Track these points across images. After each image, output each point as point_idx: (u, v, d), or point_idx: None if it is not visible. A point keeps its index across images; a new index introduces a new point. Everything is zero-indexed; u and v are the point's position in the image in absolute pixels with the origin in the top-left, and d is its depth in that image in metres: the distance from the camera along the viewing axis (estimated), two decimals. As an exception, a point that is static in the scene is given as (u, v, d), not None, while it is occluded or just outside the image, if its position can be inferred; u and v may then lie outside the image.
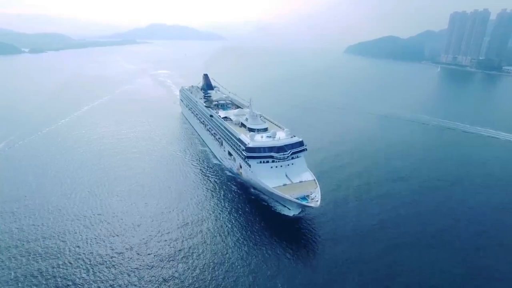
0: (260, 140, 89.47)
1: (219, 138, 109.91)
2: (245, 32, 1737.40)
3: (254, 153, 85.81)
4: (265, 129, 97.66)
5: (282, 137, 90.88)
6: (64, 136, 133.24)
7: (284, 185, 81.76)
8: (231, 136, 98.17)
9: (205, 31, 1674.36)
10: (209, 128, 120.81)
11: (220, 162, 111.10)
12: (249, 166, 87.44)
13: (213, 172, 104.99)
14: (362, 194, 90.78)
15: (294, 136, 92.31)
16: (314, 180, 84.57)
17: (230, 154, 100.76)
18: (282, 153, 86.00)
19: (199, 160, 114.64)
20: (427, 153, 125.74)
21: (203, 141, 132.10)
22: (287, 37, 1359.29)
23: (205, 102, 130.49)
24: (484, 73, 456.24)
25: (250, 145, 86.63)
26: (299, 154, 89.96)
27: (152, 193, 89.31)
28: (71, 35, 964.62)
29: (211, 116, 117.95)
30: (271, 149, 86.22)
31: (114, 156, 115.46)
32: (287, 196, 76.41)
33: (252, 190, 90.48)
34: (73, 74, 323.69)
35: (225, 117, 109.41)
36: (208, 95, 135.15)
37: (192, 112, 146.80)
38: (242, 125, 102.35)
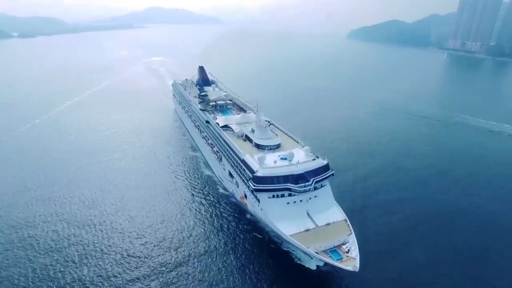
0: (271, 164, 65.12)
1: (218, 152, 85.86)
2: (248, 16, 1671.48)
3: (264, 185, 61.81)
4: (278, 146, 73.41)
5: (301, 159, 66.43)
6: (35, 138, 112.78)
7: (306, 230, 58.25)
8: (233, 155, 74.07)
9: (204, 14, 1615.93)
10: (205, 136, 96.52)
11: (218, 179, 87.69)
12: (258, 201, 63.77)
13: (206, 190, 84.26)
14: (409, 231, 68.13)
15: (317, 157, 68.22)
16: (346, 220, 61.16)
17: (231, 175, 77.03)
18: (303, 184, 62.04)
19: (189, 172, 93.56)
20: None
21: (197, 146, 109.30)
22: (291, 21, 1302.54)
23: (200, 102, 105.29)
24: (495, 60, 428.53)
25: (259, 174, 62.45)
26: (324, 182, 66.25)
27: (114, 226, 67.86)
28: (66, 19, 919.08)
29: (207, 122, 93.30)
30: (287, 178, 62.21)
31: (85, 160, 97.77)
32: (311, 250, 53.30)
33: (261, 224, 67.24)
34: (61, 62, 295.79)
35: (225, 126, 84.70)
36: (204, 93, 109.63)
37: (186, 112, 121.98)
38: (247, 138, 77.88)
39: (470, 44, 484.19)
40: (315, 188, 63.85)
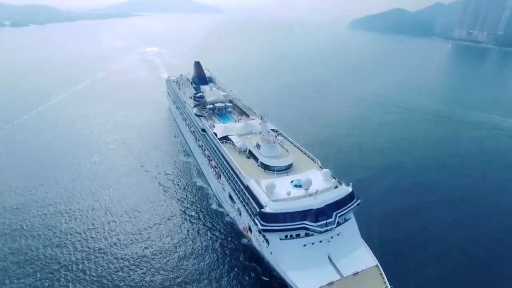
0: (283, 194, 50.88)
1: (216, 167, 71.94)
2: (256, 3, 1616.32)
3: (275, 224, 48.00)
4: (289, 167, 59.29)
5: (319, 186, 52.25)
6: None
7: (329, 284, 44.81)
8: (235, 178, 60.08)
9: (204, 3, 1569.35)
10: (202, 145, 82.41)
11: (215, 193, 74.79)
12: (267, 242, 50.12)
13: (198, 205, 72.96)
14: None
15: (339, 183, 54.32)
16: (377, 266, 47.74)
17: (232, 198, 63.34)
18: (324, 222, 48.35)
19: (179, 183, 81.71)
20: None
21: (191, 151, 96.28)
22: (303, 9, 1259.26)
23: (195, 106, 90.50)
24: (502, 50, 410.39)
25: (269, 210, 48.43)
26: (348, 215, 52.57)
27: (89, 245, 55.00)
28: (61, 6, 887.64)
29: (203, 131, 78.87)
30: (304, 214, 48.41)
31: (65, 164, 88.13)
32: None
33: (268, 261, 53.84)
34: (52, 53, 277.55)
35: (224, 138, 70.29)
36: (200, 95, 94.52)
37: (180, 114, 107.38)
38: (251, 155, 63.66)
39: (477, 33, 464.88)
40: (338, 224, 50.18)
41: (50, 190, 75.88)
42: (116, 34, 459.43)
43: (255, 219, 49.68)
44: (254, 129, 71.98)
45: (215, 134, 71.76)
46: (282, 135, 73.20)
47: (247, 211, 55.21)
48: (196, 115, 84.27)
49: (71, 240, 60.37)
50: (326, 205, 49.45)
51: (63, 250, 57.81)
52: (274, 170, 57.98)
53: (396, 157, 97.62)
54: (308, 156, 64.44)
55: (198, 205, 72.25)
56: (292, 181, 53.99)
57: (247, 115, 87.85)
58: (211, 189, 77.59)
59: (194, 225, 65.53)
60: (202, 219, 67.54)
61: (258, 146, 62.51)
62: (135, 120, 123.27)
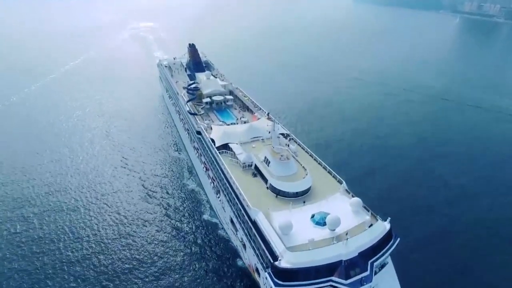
0: (302, 239, 37.75)
1: (214, 180, 59.23)
2: None
3: (293, 283, 35.77)
4: (307, 192, 46.36)
5: (349, 223, 39.63)
6: None
7: None
8: (238, 204, 47.34)
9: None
10: (197, 148, 69.22)
11: (211, 206, 63.44)
12: (282, 301, 38.14)
13: (188, 215, 62.54)
14: None
15: (374, 217, 41.80)
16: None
17: (234, 225, 51.17)
18: (358, 277, 36.17)
19: (167, 184, 70.86)
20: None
21: (184, 146, 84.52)
22: None
23: (190, 99, 76.23)
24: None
25: (285, 264, 35.63)
26: (385, 259, 40.44)
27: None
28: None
29: (198, 133, 65.21)
30: (331, 268, 36.06)
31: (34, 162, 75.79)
32: None
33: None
34: (32, 30, 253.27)
35: (224, 147, 56.73)
36: (195, 86, 79.87)
37: (173, 105, 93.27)
38: (258, 172, 50.51)
39: (488, 6, 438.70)
40: (374, 273, 38.13)
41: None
42: (104, 5, 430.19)
43: (267, 273, 37.42)
44: (260, 133, 58.51)
45: (213, 141, 58.25)
46: (294, 140, 59.94)
47: (254, 250, 43.00)
48: (190, 113, 70.18)
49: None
50: (360, 253, 37.17)
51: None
52: (288, 197, 45.19)
53: (419, 158, 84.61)
54: (329, 172, 51.34)
55: (187, 215, 61.95)
56: (313, 216, 41.29)
57: (251, 111, 74.04)
58: (204, 192, 67.41)
59: (181, 240, 55.74)
60: (191, 232, 57.65)
61: (266, 161, 49.29)
62: (122, 107, 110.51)
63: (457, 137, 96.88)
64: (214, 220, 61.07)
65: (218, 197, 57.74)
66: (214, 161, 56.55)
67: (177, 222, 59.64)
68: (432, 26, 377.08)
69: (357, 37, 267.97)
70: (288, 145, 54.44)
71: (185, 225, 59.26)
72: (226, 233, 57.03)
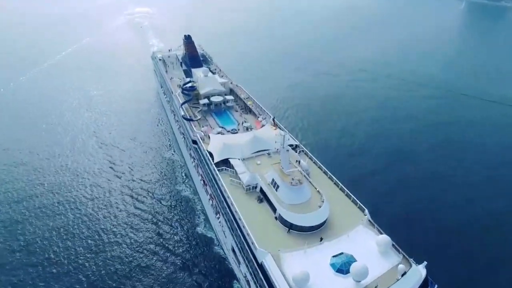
0: (322, 290, 31.04)
1: (213, 198, 51.55)
2: None
3: None
4: (324, 224, 38.52)
5: (378, 270, 32.15)
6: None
7: None
8: (241, 238, 39.73)
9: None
10: (193, 156, 61.21)
11: (207, 218, 56.48)
12: None
13: (179, 227, 56.88)
14: None
15: (407, 260, 34.25)
16: None
17: (236, 256, 43.75)
18: None
19: (156, 191, 64.84)
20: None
21: (178, 147, 77.25)
22: None
23: (185, 101, 67.53)
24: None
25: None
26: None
27: None
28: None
29: (194, 142, 56.97)
30: None
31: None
32: None
33: None
34: (18, 16, 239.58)
35: (224, 162, 48.66)
36: (191, 85, 70.99)
37: (168, 102, 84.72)
38: (264, 196, 42.63)
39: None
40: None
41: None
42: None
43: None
44: (266, 145, 50.36)
45: (211, 154, 50.11)
46: (305, 153, 51.87)
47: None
48: (185, 118, 61.60)
49: None
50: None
51: None
52: (303, 231, 37.51)
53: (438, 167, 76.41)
54: (347, 195, 43.49)
55: (179, 226, 56.32)
56: (333, 260, 33.69)
57: (253, 113, 65.67)
58: (200, 200, 61.39)
59: (168, 260, 49.76)
60: (181, 248, 51.89)
61: (274, 184, 41.33)
62: (114, 100, 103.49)
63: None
64: (210, 234, 55.16)
65: (217, 218, 50.24)
66: (213, 179, 48.66)
67: (167, 235, 54.36)
68: (435, 12, 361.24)
69: (358, 23, 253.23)
70: (299, 162, 46.50)
71: (176, 238, 53.91)
72: (224, 252, 50.46)
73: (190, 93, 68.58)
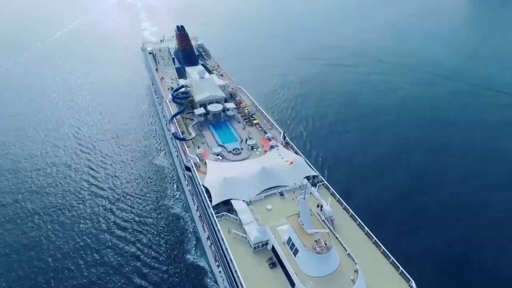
0: None
1: (212, 244, 41.45)
2: None
3: None
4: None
5: None
6: None
7: None
8: None
9: None
10: (188, 183, 50.58)
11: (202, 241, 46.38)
12: None
13: (167, 257, 47.59)
14: None
15: None
16: None
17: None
18: None
19: (142, 214, 54.54)
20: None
21: (171, 154, 66.51)
22: None
23: (178, 108, 56.22)
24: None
25: None
26: None
27: None
28: None
29: (187, 169, 46.19)
30: None
31: None
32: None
33: None
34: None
35: (224, 207, 37.88)
36: (184, 90, 59.24)
37: (159, 103, 73.23)
38: (278, 260, 32.13)
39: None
40: None
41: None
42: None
43: None
44: (277, 179, 40.01)
45: (207, 191, 39.50)
46: (326, 187, 41.28)
47: None
48: (176, 137, 50.37)
49: None
50: None
51: None
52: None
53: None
54: (383, 253, 33.23)
55: (165, 251, 47.62)
56: None
57: (258, 126, 54.60)
58: (192, 220, 52.09)
59: None
60: (169, 281, 43.57)
61: (292, 246, 31.03)
62: (98, 95, 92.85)
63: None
64: (202, 263, 46.25)
65: (217, 265, 40.38)
66: (211, 224, 38.34)
67: (151, 261, 46.10)
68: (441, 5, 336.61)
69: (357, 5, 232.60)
70: (321, 207, 36.03)
71: (162, 268, 45.14)
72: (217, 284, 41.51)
73: (183, 101, 56.98)
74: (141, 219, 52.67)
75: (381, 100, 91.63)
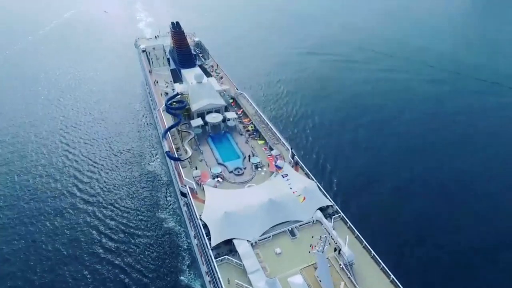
0: None
1: (212, 283, 36.09)
2: None
3: None
4: None
5: None
6: None
7: None
8: None
9: None
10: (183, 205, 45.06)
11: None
12: None
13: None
14: None
15: None
16: None
17: None
18: None
19: (134, 231, 47.94)
20: None
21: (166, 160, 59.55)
22: None
23: (172, 121, 50.32)
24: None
25: None
26: None
27: None
28: None
29: (183, 195, 40.58)
30: None
31: None
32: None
33: None
34: None
35: (225, 248, 32.44)
36: (179, 99, 52.97)
37: (154, 108, 67.08)
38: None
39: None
40: None
41: None
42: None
43: None
44: (287, 213, 34.64)
45: (205, 226, 34.02)
46: (342, 219, 35.71)
47: None
48: (170, 157, 44.50)
49: None
50: None
51: None
52: None
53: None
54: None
55: (157, 273, 42.27)
56: None
57: (262, 138, 48.81)
58: (187, 235, 46.12)
59: None
60: None
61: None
62: (90, 93, 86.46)
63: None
64: (196, 286, 41.12)
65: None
66: (210, 268, 32.98)
67: (139, 277, 41.37)
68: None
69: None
70: (339, 251, 30.57)
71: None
72: None
73: (178, 112, 50.86)
74: (132, 230, 47.22)
75: (407, 114, 76.94)
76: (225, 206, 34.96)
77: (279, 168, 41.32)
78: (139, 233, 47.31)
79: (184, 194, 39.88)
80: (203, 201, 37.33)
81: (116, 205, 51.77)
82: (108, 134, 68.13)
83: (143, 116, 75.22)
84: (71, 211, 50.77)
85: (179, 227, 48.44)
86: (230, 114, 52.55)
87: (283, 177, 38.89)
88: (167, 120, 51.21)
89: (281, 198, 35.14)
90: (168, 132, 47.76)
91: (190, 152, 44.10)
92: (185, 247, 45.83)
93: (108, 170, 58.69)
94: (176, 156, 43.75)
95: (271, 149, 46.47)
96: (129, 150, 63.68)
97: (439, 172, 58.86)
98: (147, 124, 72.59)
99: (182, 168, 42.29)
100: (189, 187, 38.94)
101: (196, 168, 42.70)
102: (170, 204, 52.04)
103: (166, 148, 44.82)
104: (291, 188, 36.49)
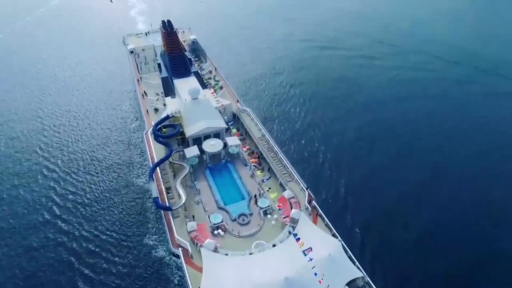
0: None
1: None
2: None
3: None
4: None
5: None
6: None
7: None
8: None
9: None
10: None
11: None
12: None
13: None
14: None
15: None
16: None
17: None
18: None
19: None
20: None
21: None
22: None
23: (164, 153, 41.82)
24: None
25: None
26: None
27: None
28: None
29: (176, 256, 32.73)
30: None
31: None
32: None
33: None
34: None
35: None
36: (171, 123, 44.27)
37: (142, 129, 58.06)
38: None
39: None
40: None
41: None
42: None
43: None
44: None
45: None
46: (367, 283, 28.22)
47: None
48: (158, 205, 35.63)
49: None
50: None
51: None
52: None
53: None
54: None
55: None
56: None
57: (271, 170, 40.72)
58: (177, 265, 36.84)
59: None
60: None
61: None
62: (73, 92, 74.99)
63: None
64: None
65: None
66: None
67: None
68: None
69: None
70: None
71: None
72: None
73: (169, 143, 41.97)
74: (115, 259, 38.87)
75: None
76: (228, 283, 27.29)
77: (293, 221, 33.27)
78: (126, 258, 38.77)
79: (177, 256, 32.15)
80: (200, 270, 29.66)
81: (97, 230, 42.35)
82: (92, 140, 58.00)
83: (132, 121, 63.38)
84: (48, 225, 42.82)
85: (169, 256, 38.57)
86: (232, 140, 43.90)
87: (297, 240, 30.79)
88: (156, 148, 42.68)
89: (301, 277, 27.27)
90: (158, 167, 39.40)
91: (183, 198, 35.75)
92: (176, 282, 36.70)
93: (90, 181, 49.64)
94: (167, 203, 35.58)
95: (282, 186, 38.39)
96: (115, 159, 53.39)
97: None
98: (137, 129, 60.41)
99: (174, 218, 34.34)
100: (182, 250, 31.15)
101: (193, 218, 34.82)
102: (159, 229, 42.42)
103: (154, 195, 36.28)
104: (311, 259, 28.58)
